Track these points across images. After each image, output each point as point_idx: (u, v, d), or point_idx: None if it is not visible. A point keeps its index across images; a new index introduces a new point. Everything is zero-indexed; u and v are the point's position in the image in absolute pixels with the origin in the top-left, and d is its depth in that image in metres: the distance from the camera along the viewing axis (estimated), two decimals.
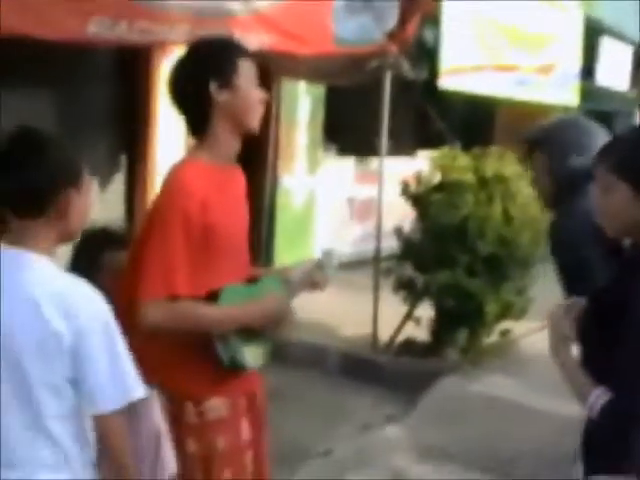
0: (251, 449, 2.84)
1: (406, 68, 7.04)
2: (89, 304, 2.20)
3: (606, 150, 2.44)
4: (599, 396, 2.26)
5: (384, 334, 6.90)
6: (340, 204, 9.97)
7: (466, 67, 7.93)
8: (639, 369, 2.21)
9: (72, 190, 2.24)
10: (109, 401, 2.20)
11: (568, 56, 10.06)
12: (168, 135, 6.88)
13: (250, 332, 2.79)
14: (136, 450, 2.43)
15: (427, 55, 8.60)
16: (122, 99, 7.24)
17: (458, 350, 6.74)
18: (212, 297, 2.72)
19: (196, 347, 2.72)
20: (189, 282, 2.65)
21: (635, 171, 2.32)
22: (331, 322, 7.40)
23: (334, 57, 6.41)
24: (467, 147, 7.26)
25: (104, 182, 7.20)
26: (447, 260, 6.51)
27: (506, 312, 6.82)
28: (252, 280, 2.91)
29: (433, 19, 7.58)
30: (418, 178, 6.90)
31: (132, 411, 2.38)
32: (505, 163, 6.82)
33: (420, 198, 6.80)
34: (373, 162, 8.66)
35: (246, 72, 2.78)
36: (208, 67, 2.73)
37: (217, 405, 2.75)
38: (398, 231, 6.93)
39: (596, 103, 12.06)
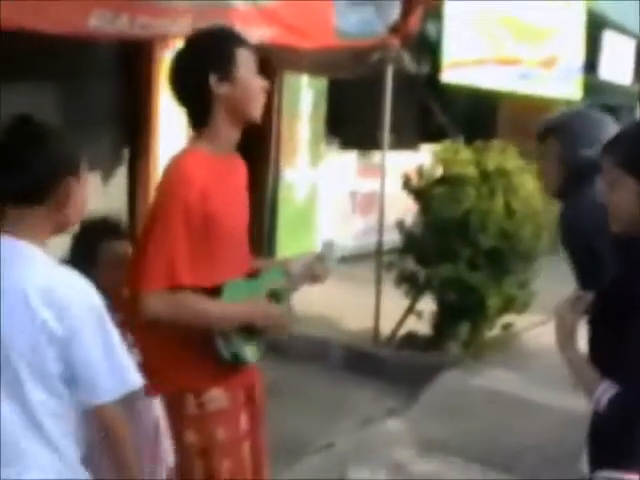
0: (249, 440, 2.85)
1: (408, 62, 7.04)
2: (81, 296, 2.18)
3: (612, 144, 2.44)
4: (606, 390, 2.26)
5: (386, 328, 6.90)
6: (342, 198, 9.97)
7: (468, 61, 7.92)
8: None
9: (72, 180, 2.23)
10: (108, 391, 2.19)
11: (571, 50, 10.03)
12: (170, 128, 6.87)
13: (250, 329, 2.79)
14: (136, 443, 2.42)
15: (430, 49, 8.60)
16: (124, 93, 7.24)
17: (460, 344, 6.73)
18: (214, 292, 2.72)
19: (197, 341, 2.72)
20: (191, 273, 2.65)
21: None
22: (333, 315, 7.40)
23: (336, 50, 6.40)
24: (469, 141, 7.25)
25: (106, 175, 7.20)
26: (449, 254, 6.51)
27: (508, 306, 6.82)
28: (253, 274, 2.91)
29: (436, 13, 7.57)
30: (420, 172, 6.90)
31: (131, 403, 2.38)
32: (507, 157, 6.82)
33: (422, 192, 6.80)
34: (375, 156, 8.65)
35: (245, 62, 2.76)
36: (207, 60, 2.72)
37: (217, 396, 2.76)
38: (400, 225, 6.93)
39: (599, 97, 12.03)
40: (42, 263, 2.19)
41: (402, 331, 6.93)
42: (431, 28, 8.33)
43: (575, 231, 3.20)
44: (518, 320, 7.08)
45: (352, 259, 7.96)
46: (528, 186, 6.68)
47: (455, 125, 10.00)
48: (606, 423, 2.32)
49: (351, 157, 10.13)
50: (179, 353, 2.74)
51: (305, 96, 9.16)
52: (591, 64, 11.60)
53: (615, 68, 12.96)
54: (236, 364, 2.78)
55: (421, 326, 6.85)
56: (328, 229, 9.38)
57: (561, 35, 9.75)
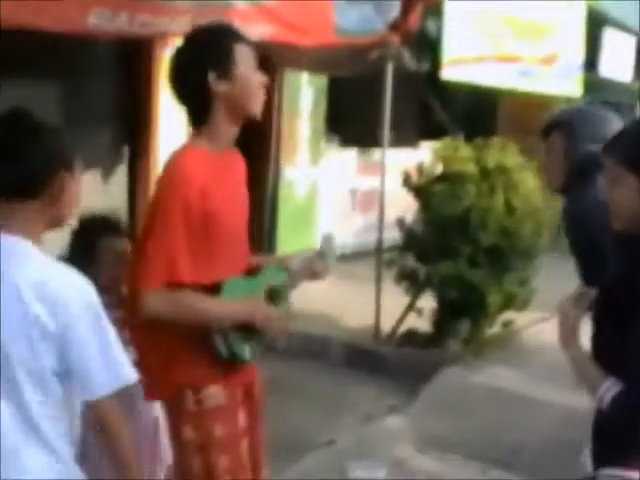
0: (247, 437, 2.85)
1: (408, 59, 7.03)
2: (76, 292, 2.17)
3: (613, 142, 2.44)
4: (609, 388, 2.26)
5: (386, 325, 6.90)
6: (342, 195, 9.97)
7: (468, 58, 7.92)
8: None
9: (66, 174, 2.22)
10: (102, 386, 2.18)
11: (571, 47, 10.04)
12: (170, 126, 6.87)
13: (249, 328, 2.79)
14: (135, 440, 2.42)
15: (430, 46, 8.59)
16: (124, 91, 7.24)
17: (460, 341, 6.74)
18: (214, 290, 2.72)
19: (195, 338, 2.72)
20: (190, 271, 2.65)
21: None
22: (333, 313, 7.40)
23: (336, 48, 6.40)
24: (469, 138, 7.25)
25: (106, 173, 7.20)
26: (449, 251, 6.51)
27: (508, 303, 6.82)
28: (253, 271, 2.91)
29: (436, 10, 7.57)
30: (420, 169, 6.90)
31: (130, 403, 2.38)
32: (507, 154, 6.82)
33: (422, 189, 6.80)
34: (375, 153, 8.65)
35: (244, 58, 2.75)
36: (205, 58, 2.71)
37: (216, 393, 2.76)
38: (400, 222, 6.93)
39: (599, 94, 12.02)
40: (35, 258, 2.17)
41: (402, 328, 6.93)
42: (431, 25, 8.33)
43: (578, 226, 3.22)
44: (518, 317, 7.08)
45: (352, 257, 7.98)
46: (528, 183, 6.68)
47: (455, 122, 10.00)
48: (609, 421, 2.31)
49: (351, 155, 10.13)
50: (178, 350, 2.74)
51: (305, 94, 9.16)
52: (591, 61, 11.60)
53: (615, 65, 12.96)
54: (234, 362, 2.78)
55: (421, 323, 6.85)
56: (328, 227, 9.36)
57: (561, 32, 9.75)
